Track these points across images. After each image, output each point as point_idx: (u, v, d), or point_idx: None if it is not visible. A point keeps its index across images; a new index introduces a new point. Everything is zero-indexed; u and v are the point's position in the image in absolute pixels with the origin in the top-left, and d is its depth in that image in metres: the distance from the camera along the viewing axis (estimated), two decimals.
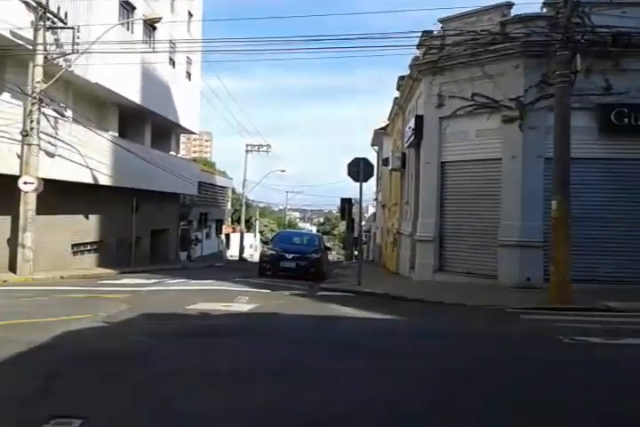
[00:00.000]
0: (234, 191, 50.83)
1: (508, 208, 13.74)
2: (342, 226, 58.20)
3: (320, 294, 12.93)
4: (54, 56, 15.58)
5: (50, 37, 15.58)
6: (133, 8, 21.90)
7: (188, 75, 29.45)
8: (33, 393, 4.28)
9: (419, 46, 15.86)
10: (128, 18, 21.04)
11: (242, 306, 9.74)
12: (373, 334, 7.56)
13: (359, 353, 6.19)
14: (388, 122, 28.70)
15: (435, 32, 15.60)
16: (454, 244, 15.23)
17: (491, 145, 14.41)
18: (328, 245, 29.84)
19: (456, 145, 15.26)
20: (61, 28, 15.87)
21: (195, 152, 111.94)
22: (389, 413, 4.17)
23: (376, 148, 34.42)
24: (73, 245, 20.01)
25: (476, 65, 14.41)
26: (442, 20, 15.33)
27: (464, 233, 14.96)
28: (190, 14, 28.89)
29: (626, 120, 13.20)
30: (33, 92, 15.07)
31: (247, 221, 53.14)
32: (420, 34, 15.30)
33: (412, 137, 16.88)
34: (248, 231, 54.96)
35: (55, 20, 15.72)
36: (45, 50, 15.30)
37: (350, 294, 12.82)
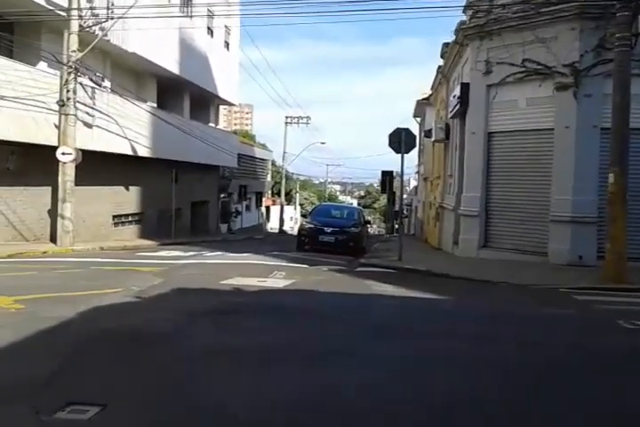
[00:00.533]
0: (274, 164, 50.60)
1: (561, 182, 13.01)
2: (383, 199, 57.50)
3: (359, 269, 12.57)
4: (89, 23, 15.27)
5: (84, 4, 15.25)
6: None
7: (227, 44, 28.93)
8: (51, 375, 4.01)
9: (465, 9, 15.05)
10: None
11: (277, 282, 9.42)
12: (415, 315, 7.16)
13: (400, 336, 5.82)
14: (430, 92, 27.75)
15: None
16: (501, 219, 14.59)
17: (542, 114, 13.62)
18: (368, 218, 29.44)
19: (504, 114, 14.49)
20: None
21: (236, 124, 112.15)
22: (434, 405, 3.76)
23: (418, 119, 33.54)
24: (114, 217, 20.14)
25: (528, 28, 13.53)
26: None
27: (511, 208, 14.30)
28: None
29: None
30: (68, 61, 14.84)
31: (287, 194, 52.98)
32: None
33: (457, 106, 16.15)
34: (288, 204, 54.87)
35: None
36: (80, 17, 14.98)
37: (390, 271, 12.43)
